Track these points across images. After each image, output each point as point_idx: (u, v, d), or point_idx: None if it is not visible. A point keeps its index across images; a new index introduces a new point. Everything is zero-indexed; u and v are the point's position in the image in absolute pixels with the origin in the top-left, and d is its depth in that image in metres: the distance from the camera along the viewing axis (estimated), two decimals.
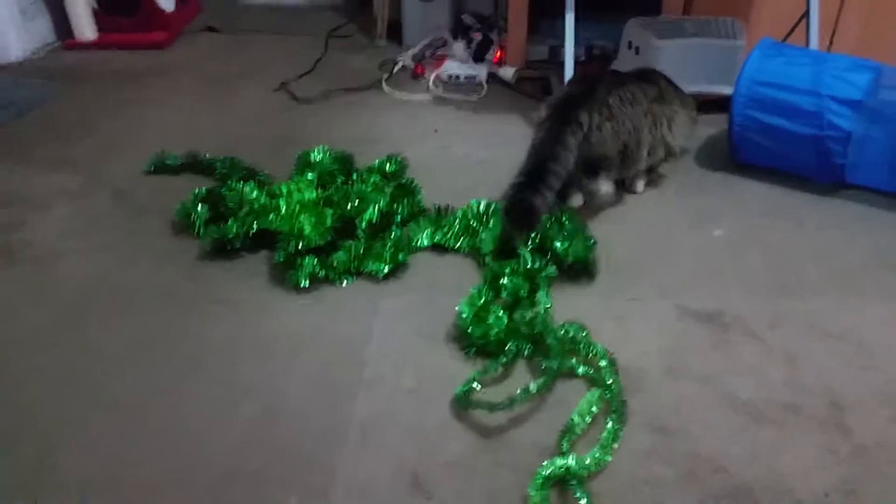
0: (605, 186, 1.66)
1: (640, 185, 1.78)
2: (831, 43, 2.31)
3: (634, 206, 1.74)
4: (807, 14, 2.00)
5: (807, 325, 1.35)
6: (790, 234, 1.62)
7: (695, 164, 1.90)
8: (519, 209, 1.47)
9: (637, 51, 2.13)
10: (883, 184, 1.74)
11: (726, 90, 1.87)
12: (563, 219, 1.56)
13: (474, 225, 1.59)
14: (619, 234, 1.62)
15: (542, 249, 1.48)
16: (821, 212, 1.70)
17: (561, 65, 2.05)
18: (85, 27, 2.71)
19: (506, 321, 1.30)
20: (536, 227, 1.49)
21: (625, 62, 2.14)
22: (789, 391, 1.20)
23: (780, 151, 1.76)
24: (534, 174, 1.49)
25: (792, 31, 2.11)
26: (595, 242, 1.51)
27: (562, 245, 1.45)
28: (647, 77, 1.76)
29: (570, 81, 1.76)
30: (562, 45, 2.03)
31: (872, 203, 1.72)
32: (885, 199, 1.73)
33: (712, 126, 1.95)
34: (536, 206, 1.45)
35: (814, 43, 2.00)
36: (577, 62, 2.06)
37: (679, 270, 1.51)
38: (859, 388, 1.21)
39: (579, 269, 1.45)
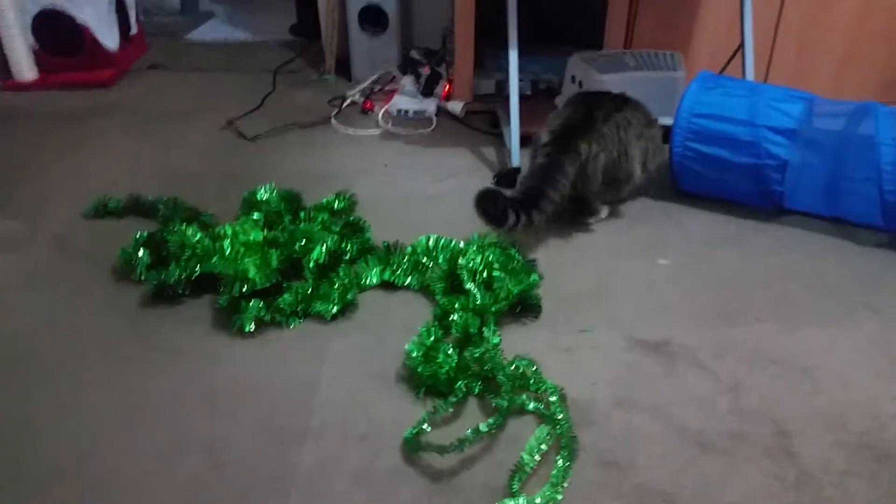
0: (603, 212, 1.81)
1: (604, 211, 1.81)
2: (768, 72, 2.39)
3: (580, 235, 1.76)
4: (742, 46, 2.07)
5: (752, 352, 1.37)
6: (733, 261, 1.65)
7: (639, 192, 1.93)
8: (487, 202, 1.56)
9: (580, 85, 2.17)
10: (820, 208, 1.79)
11: (668, 120, 1.91)
12: (512, 254, 1.57)
13: (424, 261, 1.58)
14: (566, 264, 1.63)
15: (490, 285, 1.48)
16: (762, 239, 1.74)
17: (507, 98, 2.07)
18: (24, 67, 2.66)
19: (456, 359, 1.29)
20: (498, 223, 1.56)
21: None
22: (736, 419, 1.21)
23: (720, 180, 1.80)
24: (530, 196, 1.59)
25: (728, 62, 2.18)
26: (538, 280, 1.51)
27: (502, 287, 1.45)
28: (632, 101, 1.81)
29: (569, 103, 1.80)
30: (508, 80, 2.06)
31: (811, 228, 1.77)
32: (822, 223, 1.78)
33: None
34: (507, 214, 1.55)
35: (750, 74, 2.06)
36: (523, 96, 2.10)
37: (626, 300, 1.52)
38: (804, 413, 1.23)
39: (524, 308, 1.45)
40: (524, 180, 1.68)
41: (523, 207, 1.57)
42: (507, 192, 1.62)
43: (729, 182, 1.80)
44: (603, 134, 1.67)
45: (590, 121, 1.69)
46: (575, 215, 1.79)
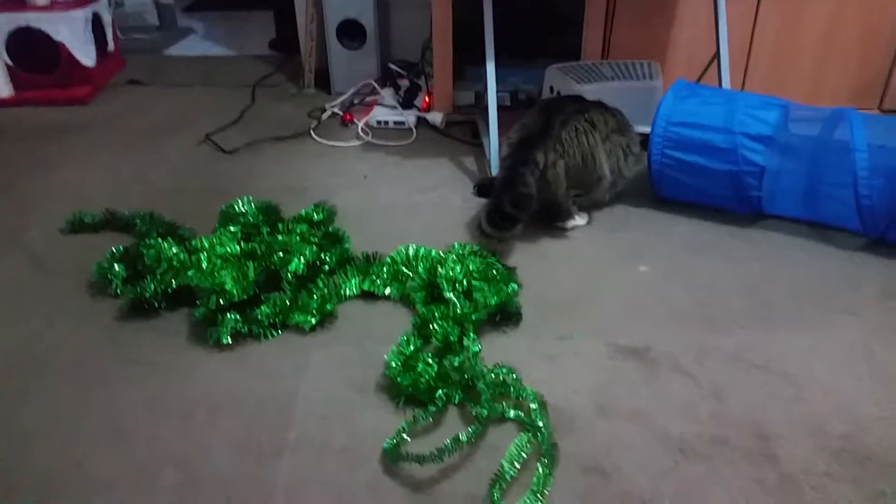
0: (582, 219, 1.81)
1: (579, 218, 1.81)
2: (744, 81, 2.41)
3: (561, 243, 1.76)
4: (717, 55, 2.09)
5: (733, 358, 1.37)
6: (713, 267, 1.65)
7: (619, 200, 1.94)
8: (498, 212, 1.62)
9: (559, 95, 2.18)
10: (799, 212, 1.81)
11: (647, 129, 1.92)
12: (492, 262, 1.56)
13: (404, 271, 1.57)
14: (547, 271, 1.63)
15: (469, 294, 1.47)
16: (741, 244, 1.74)
17: (486, 109, 2.08)
18: None
19: (436, 368, 1.28)
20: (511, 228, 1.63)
21: None
22: (718, 425, 1.21)
23: (699, 187, 1.81)
24: (495, 209, 1.63)
25: (705, 71, 2.20)
26: (517, 289, 1.51)
27: (482, 295, 1.45)
28: (605, 107, 1.83)
29: (531, 111, 1.81)
30: (487, 91, 2.06)
31: (790, 232, 1.78)
32: (801, 227, 1.79)
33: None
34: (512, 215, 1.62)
35: (726, 82, 2.08)
36: (502, 107, 2.10)
37: (607, 307, 1.52)
38: (785, 418, 1.22)
39: (504, 316, 1.44)
40: (493, 193, 1.69)
41: (491, 220, 1.63)
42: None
43: (707, 188, 1.81)
44: (562, 140, 1.69)
45: (547, 128, 1.70)
46: (549, 222, 1.79)
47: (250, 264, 1.51)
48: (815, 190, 1.76)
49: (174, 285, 1.46)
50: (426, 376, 1.25)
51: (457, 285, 1.49)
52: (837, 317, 1.48)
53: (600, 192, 1.80)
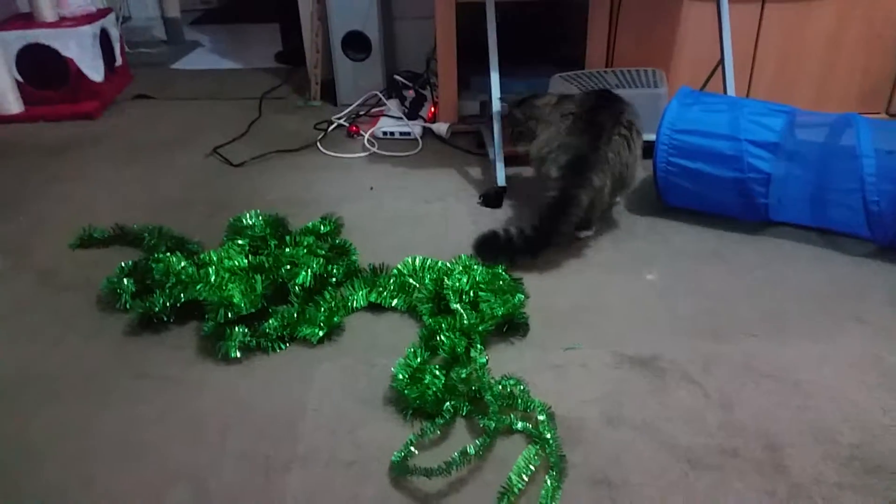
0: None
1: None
2: (750, 87, 2.41)
3: (567, 252, 1.75)
4: (722, 62, 2.09)
5: (741, 366, 1.36)
6: (721, 275, 1.65)
7: (624, 208, 1.94)
8: (484, 244, 1.65)
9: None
10: (806, 219, 1.80)
11: (653, 136, 1.92)
12: (499, 272, 1.57)
13: (411, 282, 1.58)
14: (553, 281, 1.63)
15: (476, 305, 1.47)
16: (749, 252, 1.74)
17: (491, 119, 2.08)
18: (9, 100, 2.66)
19: (443, 380, 1.28)
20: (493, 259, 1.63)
21: None
22: (726, 434, 1.20)
23: (705, 194, 1.81)
24: (543, 234, 1.63)
25: (709, 78, 2.20)
26: (523, 300, 1.51)
27: (489, 306, 1.45)
28: (626, 107, 1.79)
29: (571, 127, 1.74)
30: (491, 101, 2.07)
31: (798, 239, 1.77)
32: (809, 234, 1.78)
33: (642, 170, 2.00)
34: (497, 250, 1.64)
35: (730, 89, 2.08)
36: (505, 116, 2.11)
37: (614, 317, 1.52)
38: (794, 427, 1.22)
39: (511, 327, 1.44)
40: (540, 216, 1.65)
41: (533, 246, 1.64)
42: (518, 230, 1.66)
43: (713, 196, 1.80)
44: (608, 160, 1.67)
45: (595, 149, 1.66)
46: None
47: (258, 277, 1.52)
48: (823, 196, 1.76)
49: (183, 299, 1.47)
50: (433, 388, 1.25)
51: (463, 296, 1.49)
52: (846, 324, 1.48)
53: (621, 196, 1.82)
